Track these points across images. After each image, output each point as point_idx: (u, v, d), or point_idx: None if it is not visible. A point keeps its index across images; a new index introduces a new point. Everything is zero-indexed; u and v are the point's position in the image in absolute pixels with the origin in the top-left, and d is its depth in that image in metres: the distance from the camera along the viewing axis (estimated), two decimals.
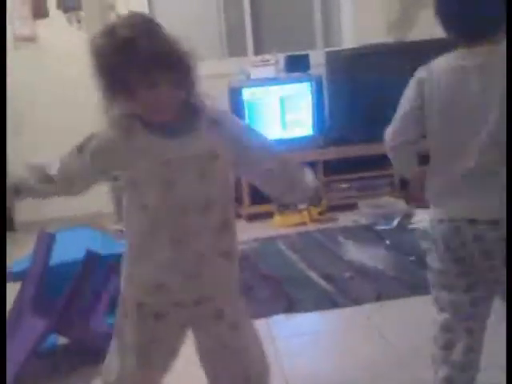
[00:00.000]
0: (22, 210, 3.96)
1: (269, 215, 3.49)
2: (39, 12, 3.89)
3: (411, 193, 1.48)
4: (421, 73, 1.33)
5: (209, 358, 1.33)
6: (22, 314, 1.92)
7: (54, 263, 1.96)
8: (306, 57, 3.68)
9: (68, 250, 2.07)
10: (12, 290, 2.20)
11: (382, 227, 3.20)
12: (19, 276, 2.07)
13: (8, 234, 4.09)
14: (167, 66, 1.10)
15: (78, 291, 1.88)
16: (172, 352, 1.31)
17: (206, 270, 1.22)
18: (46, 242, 1.93)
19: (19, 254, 2.71)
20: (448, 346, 1.34)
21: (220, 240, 1.23)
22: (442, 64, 1.29)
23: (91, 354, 1.85)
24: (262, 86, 3.65)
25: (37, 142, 3.81)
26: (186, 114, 1.19)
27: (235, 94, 3.59)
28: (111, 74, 1.10)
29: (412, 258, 2.68)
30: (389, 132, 1.40)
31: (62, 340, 2.05)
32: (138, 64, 1.07)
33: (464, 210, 1.27)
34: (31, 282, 1.97)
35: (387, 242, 2.96)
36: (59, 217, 3.43)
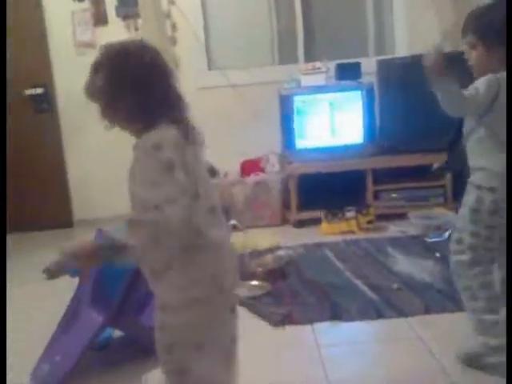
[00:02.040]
0: (80, 208, 4.14)
1: (316, 222, 3.50)
2: (99, 19, 4.07)
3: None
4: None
5: None
6: (79, 309, 2.02)
7: None
8: (358, 65, 3.69)
9: None
10: (67, 283, 2.33)
11: (433, 239, 3.15)
12: (76, 272, 2.18)
13: (65, 230, 4.28)
14: None
15: (132, 288, 1.96)
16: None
17: None
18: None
19: None
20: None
21: None
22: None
23: (143, 346, 1.93)
24: (312, 93, 3.67)
25: (94, 145, 3.95)
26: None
27: (286, 101, 3.63)
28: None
29: None
30: None
31: (117, 333, 2.17)
32: None
33: None
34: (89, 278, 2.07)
35: (437, 254, 2.91)
36: (115, 215, 3.57)
